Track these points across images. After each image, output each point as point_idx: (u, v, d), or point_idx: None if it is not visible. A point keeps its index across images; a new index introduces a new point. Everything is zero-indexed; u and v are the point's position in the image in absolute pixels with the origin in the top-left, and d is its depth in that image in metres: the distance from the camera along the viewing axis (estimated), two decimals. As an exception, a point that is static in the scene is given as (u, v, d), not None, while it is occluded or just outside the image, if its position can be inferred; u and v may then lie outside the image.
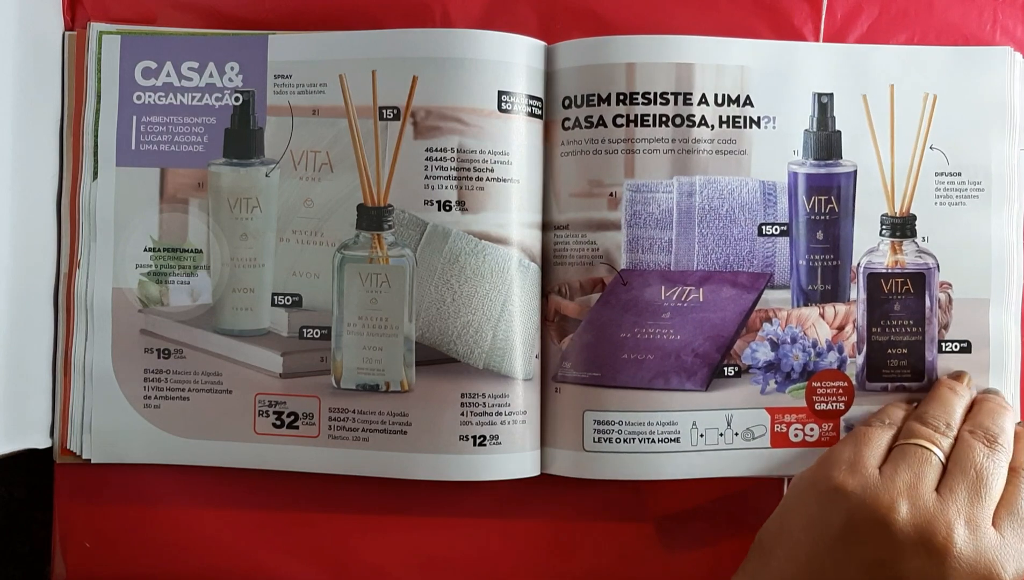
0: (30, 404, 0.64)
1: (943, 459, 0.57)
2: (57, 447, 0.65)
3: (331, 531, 0.66)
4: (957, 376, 0.64)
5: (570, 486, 0.65)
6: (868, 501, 0.54)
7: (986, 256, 0.64)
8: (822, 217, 0.64)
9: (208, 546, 0.66)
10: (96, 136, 0.65)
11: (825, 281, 0.65)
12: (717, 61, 0.63)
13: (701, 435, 0.63)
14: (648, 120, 0.63)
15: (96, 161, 0.65)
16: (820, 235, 0.64)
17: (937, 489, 0.55)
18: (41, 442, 0.64)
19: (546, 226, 0.65)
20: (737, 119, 0.63)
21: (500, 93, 0.62)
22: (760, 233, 0.64)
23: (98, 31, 0.65)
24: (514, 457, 0.63)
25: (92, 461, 0.65)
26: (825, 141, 0.64)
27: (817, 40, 0.65)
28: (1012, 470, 0.57)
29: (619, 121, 0.63)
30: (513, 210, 0.63)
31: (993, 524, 0.54)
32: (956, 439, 0.58)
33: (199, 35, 0.65)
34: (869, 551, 0.54)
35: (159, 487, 0.66)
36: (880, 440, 0.59)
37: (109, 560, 0.66)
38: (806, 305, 0.65)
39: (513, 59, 0.63)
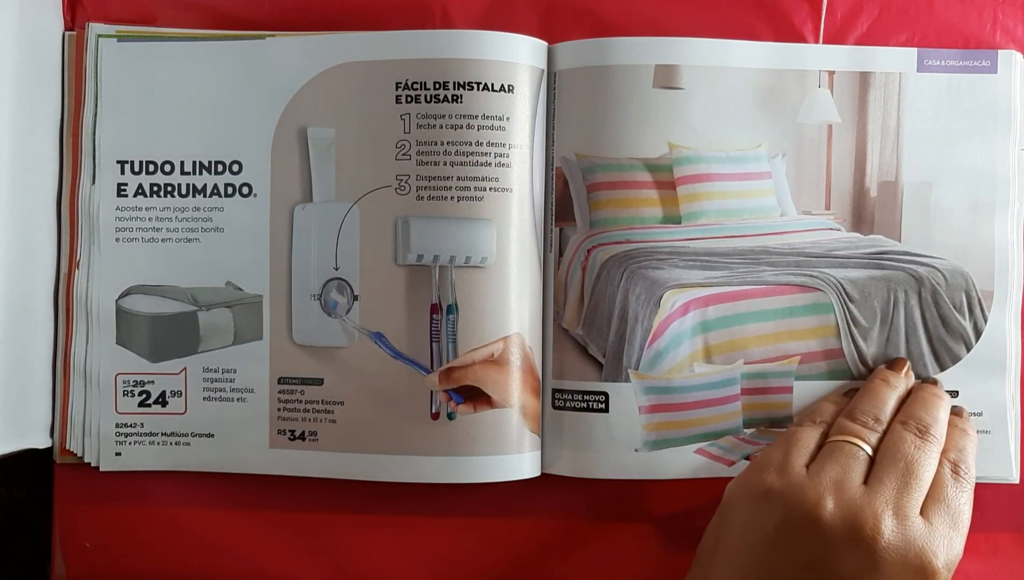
0: (30, 404, 0.64)
1: (871, 453, 0.57)
2: (57, 447, 0.65)
3: (331, 531, 0.66)
4: (893, 365, 0.63)
5: (570, 486, 0.65)
6: (796, 501, 0.54)
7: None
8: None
9: (208, 546, 0.66)
10: (95, 138, 0.65)
11: None
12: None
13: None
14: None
15: (95, 164, 0.65)
16: None
17: (866, 482, 0.55)
18: (41, 442, 0.64)
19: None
20: None
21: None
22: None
23: (96, 33, 0.65)
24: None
25: (100, 469, 0.65)
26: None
27: (817, 40, 0.65)
28: (942, 460, 0.57)
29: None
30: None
31: (922, 513, 0.54)
32: (888, 430, 0.58)
33: (199, 37, 0.65)
34: (802, 551, 0.53)
35: (159, 487, 0.66)
36: (808, 439, 0.59)
37: (109, 560, 0.66)
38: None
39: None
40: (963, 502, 0.56)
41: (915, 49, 0.65)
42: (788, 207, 0.66)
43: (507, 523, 0.66)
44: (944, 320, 0.64)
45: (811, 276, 0.64)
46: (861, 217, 0.66)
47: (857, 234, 0.65)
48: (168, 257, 0.65)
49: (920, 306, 0.64)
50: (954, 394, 0.64)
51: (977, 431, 0.62)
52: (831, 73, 0.65)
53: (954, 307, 0.64)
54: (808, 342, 0.64)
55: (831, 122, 0.65)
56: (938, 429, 0.58)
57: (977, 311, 0.64)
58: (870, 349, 0.64)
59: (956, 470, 0.57)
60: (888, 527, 0.52)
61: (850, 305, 0.64)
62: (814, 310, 0.64)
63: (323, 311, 0.64)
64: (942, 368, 0.64)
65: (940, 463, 0.57)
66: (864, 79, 0.65)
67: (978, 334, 0.64)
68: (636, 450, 0.63)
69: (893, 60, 0.65)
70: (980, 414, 0.64)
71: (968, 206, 0.65)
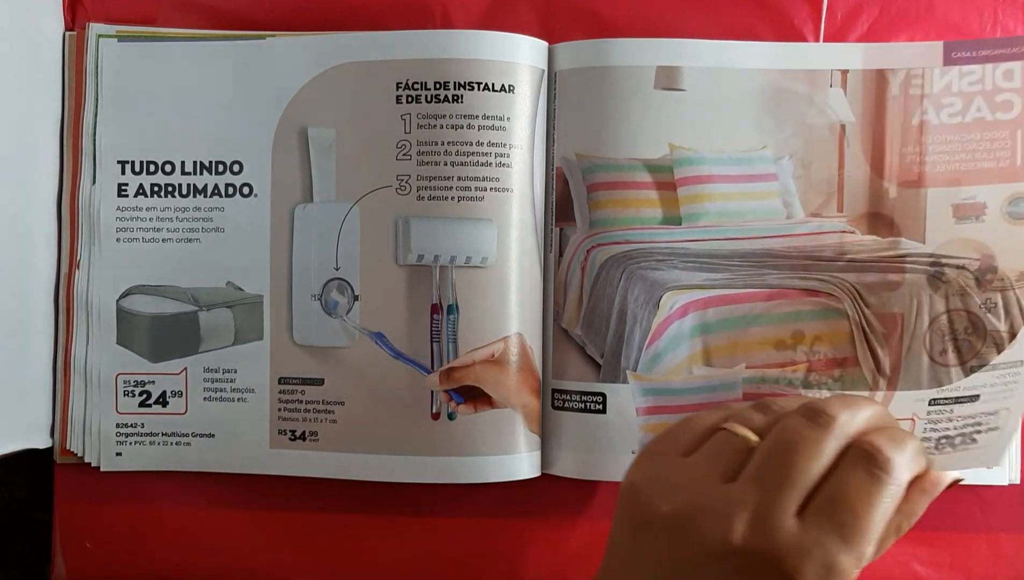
0: (30, 404, 0.64)
1: (754, 441, 0.48)
2: (57, 447, 0.65)
3: (331, 531, 0.66)
4: None
5: (570, 486, 0.65)
6: (652, 494, 0.48)
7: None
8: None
9: (208, 546, 0.66)
10: (95, 139, 0.65)
11: None
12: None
13: None
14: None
15: (95, 164, 0.65)
16: None
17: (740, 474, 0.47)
18: (41, 442, 0.64)
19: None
20: None
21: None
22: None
23: (97, 33, 0.65)
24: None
25: (101, 469, 0.65)
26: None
27: (817, 40, 0.65)
28: (852, 448, 0.47)
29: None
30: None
31: (800, 513, 0.45)
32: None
33: (199, 37, 0.65)
34: (662, 553, 0.46)
35: (159, 487, 0.66)
36: (696, 426, 0.51)
37: (109, 560, 0.66)
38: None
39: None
40: (866, 502, 0.45)
41: (940, 43, 0.63)
42: (795, 209, 0.65)
43: (507, 523, 0.66)
44: (974, 324, 0.61)
45: (822, 280, 0.63)
46: (879, 219, 0.64)
47: (874, 237, 0.64)
48: (169, 257, 0.65)
49: (948, 311, 0.62)
50: (974, 398, 0.61)
51: (989, 429, 0.62)
52: (844, 72, 0.64)
53: (988, 310, 0.61)
54: (817, 349, 0.63)
55: (844, 122, 0.64)
56: (843, 415, 0.48)
57: (1015, 310, 0.61)
58: (888, 357, 0.62)
59: (871, 461, 0.46)
60: (739, 532, 0.44)
61: (865, 310, 0.62)
62: (824, 315, 0.62)
63: (324, 311, 0.64)
64: (967, 373, 0.61)
65: (848, 453, 0.47)
66: (881, 76, 0.64)
67: (1013, 335, 0.61)
68: (633, 451, 0.63)
69: (915, 55, 0.63)
70: (995, 412, 0.62)
71: (1002, 203, 0.63)
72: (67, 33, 0.65)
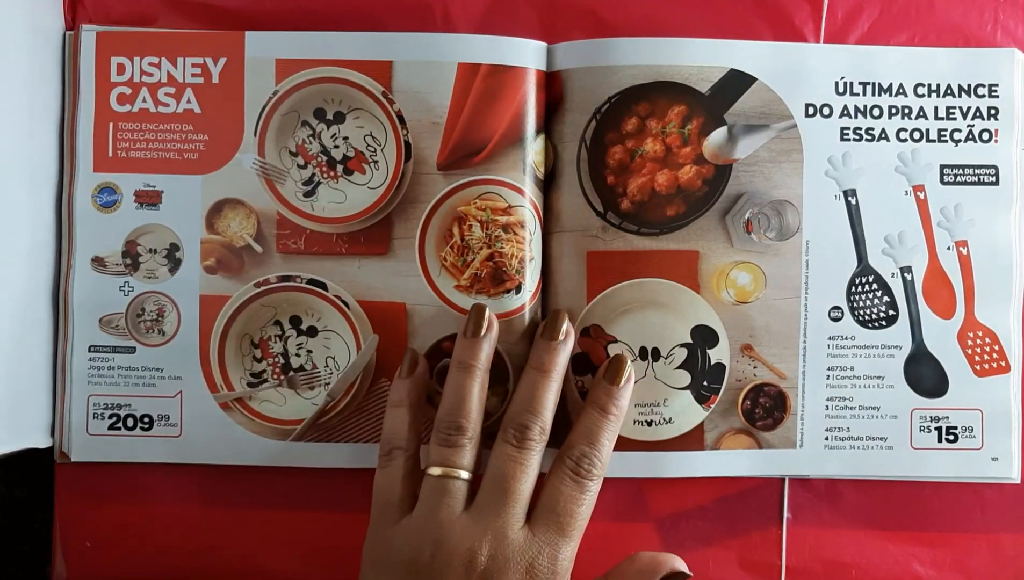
0: (30, 404, 0.63)
1: (464, 477, 0.56)
2: (57, 447, 0.65)
3: (331, 530, 0.66)
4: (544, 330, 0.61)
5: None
6: (403, 547, 0.55)
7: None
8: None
9: (208, 546, 0.66)
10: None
11: None
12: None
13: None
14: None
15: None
16: None
17: (468, 507, 0.55)
18: (41, 442, 0.64)
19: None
20: None
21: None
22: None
23: (94, 33, 0.64)
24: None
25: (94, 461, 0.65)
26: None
27: (818, 40, 0.65)
28: (563, 459, 0.57)
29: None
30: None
31: (529, 522, 0.55)
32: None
33: (198, 35, 0.65)
34: None
35: (159, 487, 0.66)
36: (394, 472, 0.58)
37: (109, 560, 0.66)
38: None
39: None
40: (576, 505, 0.56)
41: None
42: None
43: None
44: None
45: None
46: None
47: None
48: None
49: None
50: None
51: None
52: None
53: None
54: None
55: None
56: (537, 426, 0.57)
57: None
58: None
59: (577, 471, 0.56)
60: (485, 556, 0.53)
61: None
62: None
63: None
64: None
65: (560, 462, 0.57)
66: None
67: None
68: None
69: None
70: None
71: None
72: (67, 33, 0.65)
